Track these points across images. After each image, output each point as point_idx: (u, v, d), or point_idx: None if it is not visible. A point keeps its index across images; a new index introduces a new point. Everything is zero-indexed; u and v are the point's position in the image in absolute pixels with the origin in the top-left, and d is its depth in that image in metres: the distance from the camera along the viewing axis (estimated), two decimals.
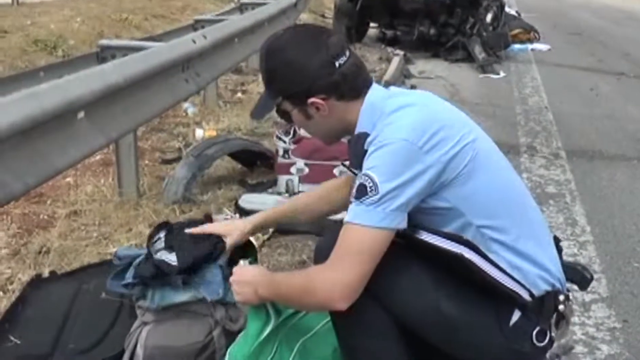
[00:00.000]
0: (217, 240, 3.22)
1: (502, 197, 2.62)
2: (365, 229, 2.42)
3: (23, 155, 3.71)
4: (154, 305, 3.20)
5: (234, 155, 6.22)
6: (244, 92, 9.33)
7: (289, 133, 5.87)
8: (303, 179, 5.69)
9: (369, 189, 2.41)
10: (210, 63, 6.95)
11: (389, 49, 13.58)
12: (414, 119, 2.49)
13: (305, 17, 16.69)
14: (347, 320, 2.58)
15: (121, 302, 3.59)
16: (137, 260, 3.27)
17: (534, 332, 2.57)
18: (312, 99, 2.60)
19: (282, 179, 5.73)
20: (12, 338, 3.44)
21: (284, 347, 2.84)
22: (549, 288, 2.60)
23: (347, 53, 2.63)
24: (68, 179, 5.85)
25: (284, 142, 5.79)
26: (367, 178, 2.42)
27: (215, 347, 3.27)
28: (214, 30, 7.32)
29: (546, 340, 2.59)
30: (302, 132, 5.93)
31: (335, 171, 5.55)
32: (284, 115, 2.76)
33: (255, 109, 2.80)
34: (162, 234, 3.30)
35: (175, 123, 7.66)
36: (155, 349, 3.21)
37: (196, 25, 8.95)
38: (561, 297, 2.63)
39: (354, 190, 2.46)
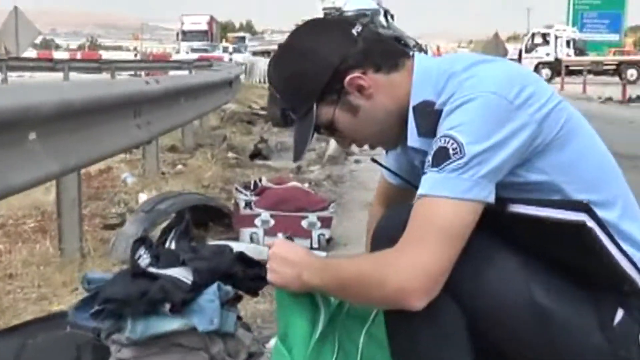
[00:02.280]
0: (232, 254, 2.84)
1: (601, 168, 2.17)
2: (449, 201, 1.93)
3: None
4: (136, 336, 2.69)
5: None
6: (184, 164, 9.02)
7: (249, 186, 5.69)
8: (268, 232, 5.34)
9: (452, 152, 1.94)
10: (160, 114, 6.73)
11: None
12: (499, 71, 2.08)
13: (233, 107, 16.64)
14: (406, 317, 2.00)
15: (79, 350, 2.97)
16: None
17: None
18: (349, 77, 2.14)
19: (246, 233, 5.38)
20: None
21: (346, 342, 2.22)
22: None
23: (357, 23, 2.24)
24: None
25: (245, 194, 5.52)
26: (448, 139, 1.96)
27: None
28: (165, 79, 7.40)
29: None
30: (264, 182, 5.60)
31: (304, 223, 5.35)
32: (329, 128, 2.25)
33: (295, 146, 2.29)
34: (142, 250, 2.77)
35: (115, 192, 7.23)
36: None
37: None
38: None
39: (430, 157, 1.99)
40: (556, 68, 45.44)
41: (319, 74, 2.15)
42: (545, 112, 2.03)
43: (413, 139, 2.17)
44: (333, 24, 2.35)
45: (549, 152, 2.05)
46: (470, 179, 1.92)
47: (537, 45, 51.92)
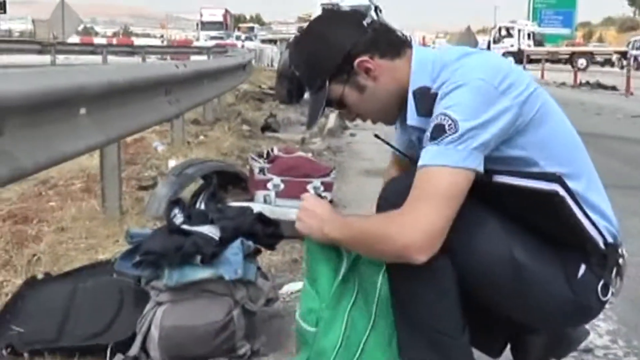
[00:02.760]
0: (252, 214, 2.79)
1: (571, 145, 2.18)
2: (446, 169, 1.92)
3: (33, 134, 3.10)
4: (173, 283, 2.63)
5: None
6: (205, 136, 8.88)
7: (262, 155, 5.61)
8: (279, 194, 5.28)
9: (447, 128, 1.93)
10: (187, 93, 6.60)
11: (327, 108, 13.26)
12: (485, 62, 2.07)
13: (245, 87, 16.48)
14: (408, 272, 1.99)
15: (122, 293, 2.99)
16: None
17: (599, 286, 2.09)
18: (358, 60, 2.13)
19: (260, 194, 5.29)
20: (14, 327, 2.82)
21: (366, 283, 2.17)
22: (611, 240, 2.12)
23: (368, 15, 2.24)
24: (51, 203, 5.26)
25: (259, 162, 5.42)
26: (444, 117, 1.95)
27: (235, 327, 2.72)
28: (190, 63, 7.20)
29: (609, 295, 2.12)
30: (275, 152, 5.53)
31: (309, 187, 5.30)
32: (338, 103, 2.23)
33: (308, 115, 2.31)
34: (176, 210, 2.71)
35: (147, 158, 7.14)
36: (172, 329, 2.67)
37: None
38: (621, 250, 2.15)
39: (429, 133, 1.97)
40: (519, 57, 45.22)
41: (332, 56, 2.15)
42: (525, 97, 2.02)
43: (412, 118, 2.14)
44: (348, 14, 2.29)
45: (527, 131, 2.04)
46: (464, 150, 1.91)
47: (503, 37, 51.94)
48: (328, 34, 2.18)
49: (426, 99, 2.08)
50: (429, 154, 1.95)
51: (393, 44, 2.20)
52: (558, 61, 48.05)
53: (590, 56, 48.93)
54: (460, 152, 1.91)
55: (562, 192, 1.99)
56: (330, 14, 2.34)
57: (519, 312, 2.14)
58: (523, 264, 2.02)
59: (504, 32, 52.96)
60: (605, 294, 2.10)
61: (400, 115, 2.25)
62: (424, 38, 65.57)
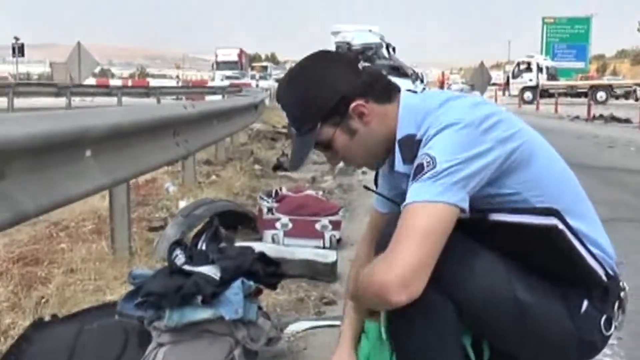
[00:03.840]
0: (253, 254, 2.80)
1: (562, 181, 2.18)
2: (424, 204, 1.90)
3: (37, 177, 3.14)
4: (173, 323, 2.63)
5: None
6: (217, 175, 8.92)
7: (271, 194, 5.66)
8: (287, 234, 5.30)
9: (426, 165, 1.93)
10: (196, 133, 6.63)
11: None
12: (465, 105, 2.08)
13: (259, 126, 16.55)
14: (407, 313, 1.96)
15: (127, 334, 2.98)
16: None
17: (602, 320, 2.09)
18: (354, 103, 2.13)
19: (268, 234, 5.32)
20: None
21: None
22: (612, 273, 2.12)
23: (361, 60, 2.24)
24: (62, 244, 5.26)
25: (267, 201, 5.47)
26: (424, 156, 1.96)
27: None
28: (200, 104, 7.35)
29: (612, 329, 2.12)
30: (283, 191, 5.56)
31: (317, 226, 5.32)
32: (326, 146, 2.21)
33: (293, 158, 2.27)
34: (178, 251, 2.73)
35: (159, 199, 7.16)
36: None
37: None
38: (622, 284, 2.16)
39: (411, 175, 1.98)
40: (537, 91, 45.47)
41: (328, 97, 2.13)
42: (509, 135, 2.02)
43: (399, 165, 2.16)
44: (341, 56, 2.33)
45: (514, 171, 2.04)
46: (442, 185, 1.90)
47: (522, 71, 51.92)
48: (323, 74, 2.16)
49: (411, 147, 2.09)
50: (410, 193, 1.95)
51: (386, 89, 2.21)
52: (577, 95, 47.88)
53: (609, 89, 48.69)
54: (439, 186, 1.90)
55: (560, 225, 1.98)
56: (322, 54, 2.30)
57: (522, 350, 2.12)
58: (525, 302, 2.00)
59: (523, 67, 52.92)
60: (608, 328, 2.09)
61: (387, 161, 2.26)
62: (443, 74, 65.40)
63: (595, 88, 48.41)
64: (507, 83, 51.45)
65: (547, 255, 2.04)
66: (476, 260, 1.99)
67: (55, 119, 3.36)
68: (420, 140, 2.05)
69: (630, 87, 48.07)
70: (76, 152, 3.56)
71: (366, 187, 2.46)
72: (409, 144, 2.11)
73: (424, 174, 1.92)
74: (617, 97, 47.88)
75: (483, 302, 1.99)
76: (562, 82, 54.02)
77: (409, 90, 2.32)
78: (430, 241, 1.89)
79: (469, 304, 1.99)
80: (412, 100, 2.20)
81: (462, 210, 1.94)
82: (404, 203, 1.95)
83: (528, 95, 47.90)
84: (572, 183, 2.21)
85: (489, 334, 2.12)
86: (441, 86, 53.56)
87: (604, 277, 2.07)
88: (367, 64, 2.29)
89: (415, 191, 1.93)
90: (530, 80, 50.62)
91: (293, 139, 2.30)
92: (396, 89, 2.24)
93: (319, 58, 2.27)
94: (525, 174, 2.04)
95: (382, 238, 2.12)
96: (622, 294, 2.14)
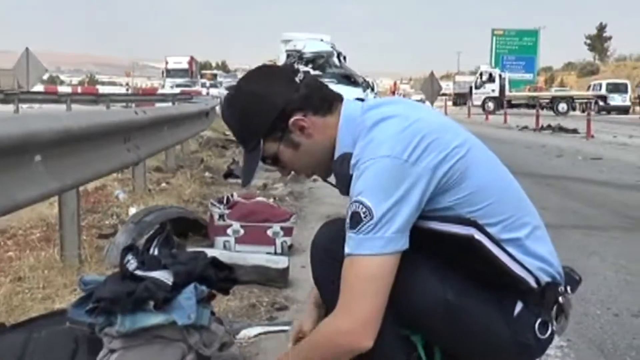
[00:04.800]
0: (206, 259, 2.80)
1: (502, 192, 2.19)
2: (369, 258, 1.98)
3: None
4: (125, 329, 2.60)
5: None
6: (167, 183, 8.84)
7: (222, 201, 5.62)
8: (239, 240, 5.29)
9: (362, 215, 1.98)
10: (147, 140, 6.58)
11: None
12: (393, 132, 2.08)
13: (209, 134, 16.49)
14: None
15: (76, 342, 2.93)
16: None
17: (537, 324, 2.15)
18: (293, 118, 2.16)
19: (219, 240, 5.30)
20: None
21: None
22: (549, 280, 2.17)
23: (300, 71, 2.26)
24: (10, 253, 5.21)
25: (219, 208, 5.43)
26: (358, 204, 1.99)
27: None
28: (151, 110, 7.19)
29: (548, 333, 2.17)
30: (235, 197, 5.54)
31: (269, 232, 5.33)
32: (273, 159, 2.27)
33: (243, 174, 2.33)
34: (130, 256, 2.71)
35: (109, 206, 7.07)
36: None
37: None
38: (561, 289, 2.20)
39: (348, 220, 2.02)
40: (500, 102, 45.87)
41: (266, 114, 2.16)
42: (440, 159, 2.05)
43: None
44: (279, 71, 2.33)
45: (448, 189, 2.07)
46: (383, 236, 1.96)
47: (484, 82, 51.89)
48: (260, 92, 2.19)
49: (343, 176, 2.15)
50: (351, 243, 2.00)
51: (325, 100, 2.23)
52: (540, 106, 48.25)
53: (571, 101, 49.06)
54: (379, 239, 1.96)
55: (478, 235, 2.04)
56: (261, 71, 2.33)
57: (459, 350, 2.19)
58: (457, 304, 2.08)
59: (485, 77, 52.84)
60: (543, 332, 2.14)
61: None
62: (395, 83, 65.45)
63: (557, 99, 48.81)
64: (471, 93, 51.59)
65: (470, 262, 2.10)
66: (408, 265, 2.04)
67: (4, 123, 3.30)
68: (351, 176, 2.09)
69: (591, 99, 48.29)
70: (25, 157, 3.52)
71: (326, 181, 2.46)
72: (342, 175, 2.17)
73: (363, 226, 1.98)
74: (574, 109, 48.33)
75: (416, 304, 2.08)
76: (525, 93, 54.64)
77: (358, 98, 2.35)
78: (381, 289, 1.99)
79: (403, 306, 2.07)
80: (353, 110, 2.23)
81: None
82: (347, 252, 2.01)
83: (489, 105, 48.26)
84: (513, 193, 2.24)
85: (428, 335, 2.19)
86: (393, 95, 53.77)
87: (533, 284, 2.12)
88: (306, 75, 2.27)
89: (358, 243, 1.99)
90: (493, 90, 50.89)
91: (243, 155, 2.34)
92: (337, 99, 2.26)
93: (256, 76, 2.30)
94: (458, 191, 2.08)
95: (318, 242, 2.31)
96: (561, 299, 2.18)
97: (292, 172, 2.36)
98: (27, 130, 3.46)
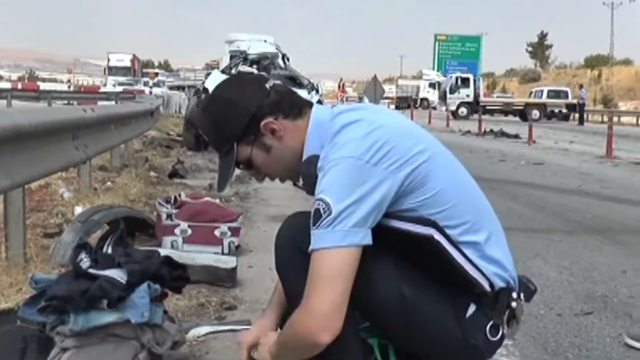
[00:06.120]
0: (159, 258, 2.81)
1: (462, 196, 2.25)
2: (328, 251, 2.03)
3: None
4: (78, 327, 2.60)
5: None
6: (112, 182, 8.74)
7: (170, 200, 5.59)
8: (186, 240, 5.28)
9: (322, 211, 2.04)
10: (95, 138, 6.56)
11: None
12: (357, 135, 2.15)
13: (153, 133, 16.37)
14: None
15: (25, 341, 2.90)
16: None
17: (488, 326, 2.22)
18: (264, 121, 2.24)
19: (167, 240, 5.27)
20: None
21: None
22: (503, 285, 2.25)
23: (270, 79, 2.35)
24: None
25: (166, 207, 5.41)
26: (319, 202, 2.06)
27: None
28: (98, 108, 7.14)
29: (498, 336, 2.25)
30: (182, 197, 5.53)
31: (216, 232, 5.33)
32: (247, 164, 2.34)
33: (219, 178, 2.39)
34: (83, 254, 2.71)
35: (53, 205, 6.92)
36: None
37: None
38: (514, 295, 2.28)
39: (311, 218, 2.08)
40: (474, 108, 45.16)
41: (239, 119, 2.25)
42: (402, 162, 2.11)
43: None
44: (251, 79, 2.41)
45: (411, 191, 2.14)
46: (341, 229, 2.02)
47: (459, 87, 49.88)
48: (233, 98, 2.28)
49: (310, 178, 2.20)
50: (313, 239, 2.06)
51: (295, 105, 2.31)
52: (512, 112, 47.90)
53: (543, 108, 48.60)
54: (338, 232, 2.02)
55: (437, 236, 2.12)
56: (234, 79, 2.46)
57: (411, 346, 2.26)
58: (411, 299, 2.14)
59: (459, 82, 50.62)
60: (494, 334, 2.22)
61: None
62: (342, 85, 64.73)
63: (529, 106, 47.84)
64: (444, 98, 49.91)
65: (427, 261, 2.17)
66: (367, 259, 2.09)
67: None
68: (316, 176, 2.15)
69: (561, 106, 47.84)
70: None
71: (296, 185, 2.49)
72: (309, 175, 2.23)
73: (322, 221, 2.03)
74: (548, 117, 47.57)
75: (372, 295, 2.14)
76: (499, 99, 54.17)
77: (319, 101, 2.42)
78: (340, 283, 2.02)
79: (360, 297, 2.11)
80: (322, 117, 2.30)
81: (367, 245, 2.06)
82: (310, 247, 2.06)
83: (462, 110, 47.39)
84: (473, 198, 2.32)
85: (382, 329, 2.26)
86: (340, 99, 53.02)
87: (487, 288, 2.19)
88: (275, 82, 2.36)
89: (318, 238, 2.04)
90: (468, 95, 49.33)
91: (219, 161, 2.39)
92: (306, 105, 2.34)
93: (228, 83, 2.41)
94: (421, 194, 2.15)
95: (285, 236, 2.30)
96: (514, 304, 2.26)
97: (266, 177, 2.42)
98: None
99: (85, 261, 2.75)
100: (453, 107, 47.13)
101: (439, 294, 2.18)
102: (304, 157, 2.26)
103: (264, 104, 2.25)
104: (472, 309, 2.21)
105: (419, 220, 2.13)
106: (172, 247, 5.17)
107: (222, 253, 5.16)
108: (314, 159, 2.19)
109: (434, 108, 51.84)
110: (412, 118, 41.15)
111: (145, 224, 5.69)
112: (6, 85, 45.28)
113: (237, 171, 2.38)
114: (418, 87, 73.41)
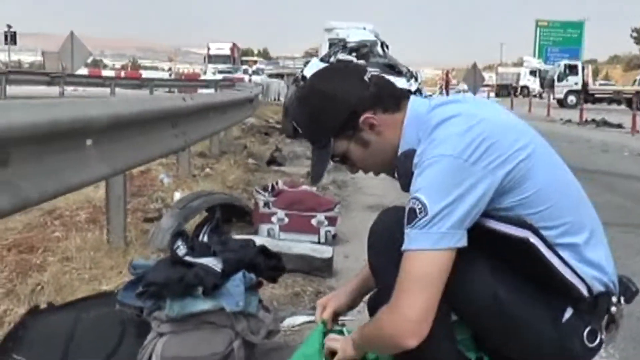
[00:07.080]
0: (255, 247, 2.81)
1: (562, 196, 2.16)
2: (423, 253, 1.98)
3: (39, 165, 3.12)
4: (174, 314, 2.63)
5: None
6: (211, 168, 8.92)
7: (267, 188, 5.61)
8: (283, 228, 5.32)
9: (418, 212, 1.98)
10: (194, 125, 6.60)
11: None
12: (456, 131, 2.06)
13: (252, 121, 16.55)
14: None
15: (124, 324, 2.97)
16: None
17: (585, 332, 2.11)
18: (363, 116, 2.18)
19: (264, 228, 5.32)
20: (16, 356, 2.83)
21: None
22: (603, 289, 2.14)
23: (368, 69, 2.28)
24: (57, 233, 5.26)
25: (264, 195, 5.44)
26: (415, 201, 2.00)
27: (235, 358, 2.73)
28: (197, 96, 7.28)
29: (596, 342, 2.14)
30: (280, 185, 5.54)
31: (313, 221, 5.34)
32: (343, 158, 2.29)
33: (312, 171, 2.38)
34: (180, 242, 2.73)
35: (153, 190, 7.13)
36: (173, 359, 2.60)
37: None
38: (614, 299, 2.17)
39: (405, 217, 2.02)
40: (583, 96, 42.84)
41: (338, 113, 2.19)
42: (502, 160, 2.03)
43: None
44: (349, 70, 2.34)
45: (510, 190, 2.06)
46: (437, 231, 1.95)
47: (567, 75, 47.51)
48: (332, 91, 2.21)
49: (406, 173, 2.14)
50: (407, 239, 2.00)
51: (393, 97, 2.25)
52: (620, 101, 45.00)
53: None
54: (433, 234, 1.96)
55: (532, 239, 2.03)
56: (331, 70, 2.38)
57: (505, 348, 2.18)
58: (506, 300, 2.07)
59: (567, 70, 47.98)
60: (592, 340, 2.12)
61: None
62: (447, 73, 63.12)
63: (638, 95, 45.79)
64: (552, 86, 48.25)
65: (523, 263, 2.09)
66: (462, 258, 2.03)
67: (58, 107, 3.33)
68: (412, 173, 2.09)
69: None
70: (77, 141, 3.55)
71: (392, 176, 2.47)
72: (405, 171, 2.16)
73: (417, 221, 1.98)
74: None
75: (466, 295, 2.08)
76: (610, 87, 51.79)
77: (411, 92, 2.36)
78: (431, 287, 1.98)
79: (454, 297, 2.06)
80: (419, 110, 2.23)
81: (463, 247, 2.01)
82: (404, 247, 2.01)
83: (572, 99, 45.44)
84: (573, 196, 2.21)
85: (475, 330, 2.20)
86: (446, 88, 51.90)
87: (585, 293, 2.09)
88: (373, 73, 2.31)
89: (413, 238, 1.99)
90: (576, 83, 46.94)
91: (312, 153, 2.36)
92: (404, 96, 2.27)
93: (327, 74, 2.34)
94: (519, 192, 2.07)
95: (378, 231, 2.27)
96: (613, 309, 2.15)
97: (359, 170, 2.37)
98: (81, 115, 3.49)
99: (182, 249, 2.78)
100: (561, 96, 45.48)
101: (535, 297, 2.10)
102: (400, 150, 2.21)
103: (364, 98, 2.20)
104: (569, 312, 2.11)
105: (515, 221, 2.05)
106: (269, 234, 5.20)
107: (319, 242, 5.16)
108: (410, 153, 2.13)
109: (540, 97, 49.98)
110: (512, 106, 40.64)
111: (243, 211, 5.75)
112: (110, 73, 46.64)
113: (331, 163, 2.34)
114: (518, 75, 71.76)
